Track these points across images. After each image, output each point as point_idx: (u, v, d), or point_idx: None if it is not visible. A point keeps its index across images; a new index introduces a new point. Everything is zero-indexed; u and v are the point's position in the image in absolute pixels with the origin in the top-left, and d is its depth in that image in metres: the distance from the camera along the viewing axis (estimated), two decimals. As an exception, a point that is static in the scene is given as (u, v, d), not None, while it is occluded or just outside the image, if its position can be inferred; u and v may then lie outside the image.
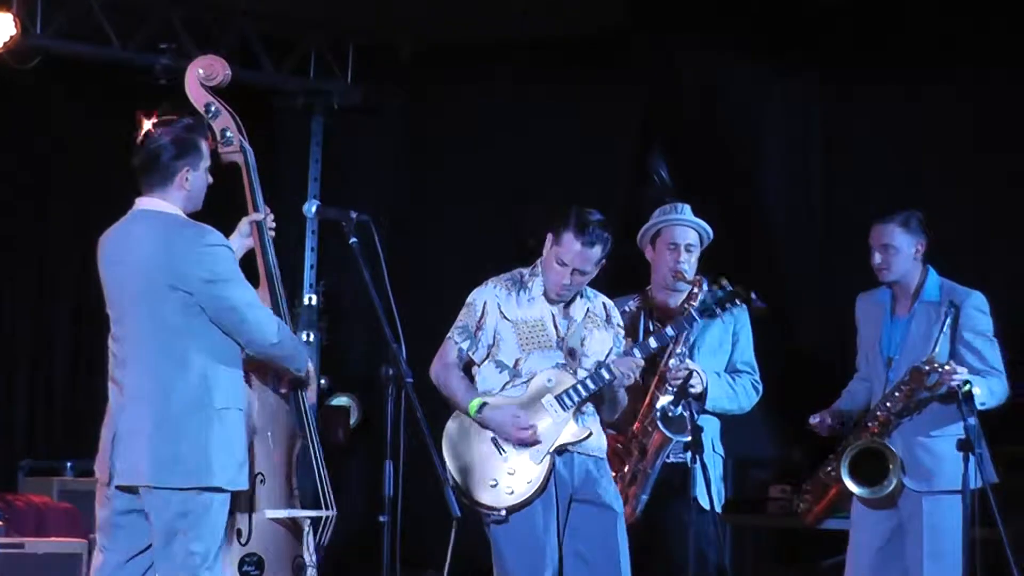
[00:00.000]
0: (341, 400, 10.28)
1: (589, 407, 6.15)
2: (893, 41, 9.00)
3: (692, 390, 6.31)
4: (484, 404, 6.06)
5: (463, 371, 6.22)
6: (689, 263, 6.63)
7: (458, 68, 10.16)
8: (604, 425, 6.26)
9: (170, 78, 9.33)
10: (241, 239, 5.78)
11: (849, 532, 6.74)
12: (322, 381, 8.01)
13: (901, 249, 6.61)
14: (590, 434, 6.09)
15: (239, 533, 5.65)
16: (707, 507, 6.23)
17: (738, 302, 6.35)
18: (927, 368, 6.38)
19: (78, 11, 9.21)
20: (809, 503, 6.85)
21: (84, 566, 8.03)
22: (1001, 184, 8.79)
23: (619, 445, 6.47)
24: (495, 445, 6.07)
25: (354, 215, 5.78)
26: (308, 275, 10.35)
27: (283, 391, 5.77)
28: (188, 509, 5.31)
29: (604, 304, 6.28)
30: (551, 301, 6.14)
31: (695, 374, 6.40)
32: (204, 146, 5.56)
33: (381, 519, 5.60)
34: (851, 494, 6.61)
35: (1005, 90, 8.79)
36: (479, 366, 6.17)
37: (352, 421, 9.98)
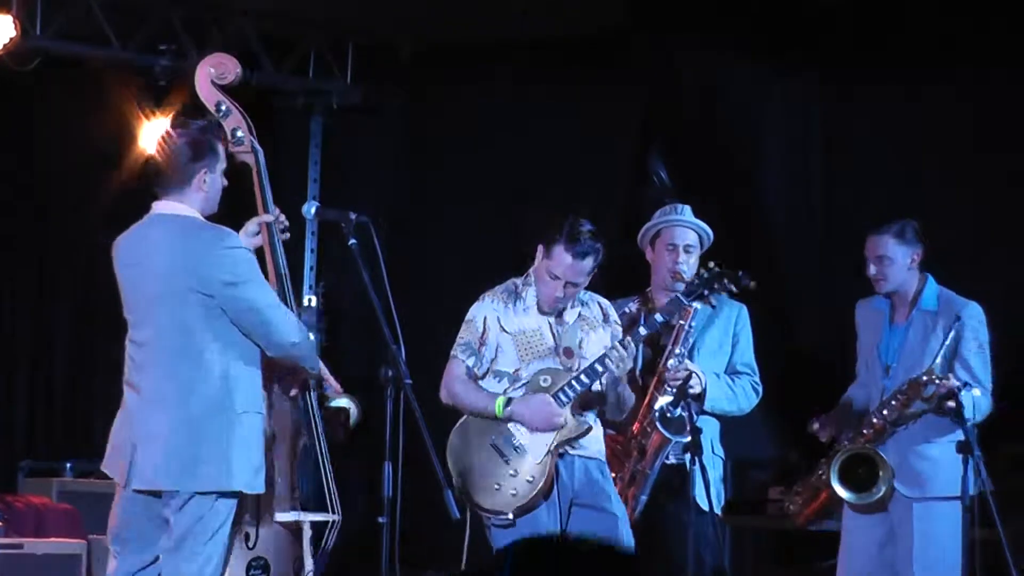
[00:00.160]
0: (340, 401, 10.27)
1: (592, 412, 6.15)
2: (893, 41, 8.98)
3: (691, 391, 6.31)
4: (510, 400, 6.07)
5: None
6: (688, 264, 6.62)
7: (458, 68, 10.15)
8: (605, 425, 6.27)
9: (170, 79, 9.33)
10: (248, 239, 5.76)
11: (841, 536, 6.74)
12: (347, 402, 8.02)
13: (896, 260, 6.60)
14: (589, 428, 6.09)
15: (247, 537, 5.65)
16: (706, 508, 6.23)
17: (726, 282, 6.28)
18: (925, 379, 6.38)
19: (78, 12, 9.20)
20: (799, 505, 6.84)
21: (83, 567, 8.03)
22: (1001, 185, 8.77)
23: (618, 446, 6.47)
24: (496, 450, 6.07)
25: (353, 216, 5.78)
26: (307, 276, 10.34)
27: (292, 393, 5.76)
28: (204, 513, 5.31)
29: (600, 304, 6.28)
30: (544, 313, 6.14)
31: (694, 375, 6.40)
32: (220, 148, 5.56)
33: (380, 520, 5.60)
34: (841, 499, 6.61)
35: (1005, 90, 8.77)
36: (481, 379, 6.18)
37: (351, 422, 9.97)
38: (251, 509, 5.62)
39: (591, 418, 6.15)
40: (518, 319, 6.14)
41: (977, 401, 6.41)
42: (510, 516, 6.00)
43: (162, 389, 5.35)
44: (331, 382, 6.02)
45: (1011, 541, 6.23)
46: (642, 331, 6.22)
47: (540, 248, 6.12)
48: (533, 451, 6.04)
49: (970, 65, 8.79)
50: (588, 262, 6.03)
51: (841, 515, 6.75)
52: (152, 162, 5.54)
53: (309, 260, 10.36)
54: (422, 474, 5.54)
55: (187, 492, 5.31)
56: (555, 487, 6.03)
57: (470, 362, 6.14)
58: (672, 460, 6.44)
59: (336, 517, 5.80)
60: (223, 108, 5.97)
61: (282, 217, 5.87)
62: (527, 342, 6.12)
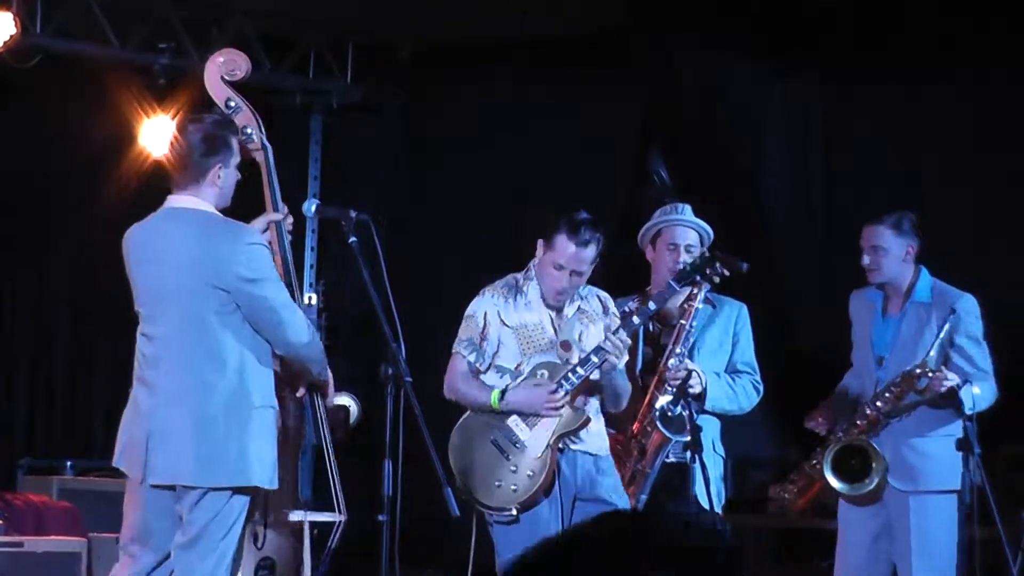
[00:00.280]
0: (341, 399, 10.26)
1: (593, 406, 6.15)
2: (893, 41, 8.98)
3: (691, 390, 6.30)
4: (504, 390, 6.07)
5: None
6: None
7: (458, 68, 10.14)
8: (607, 421, 6.27)
9: (169, 77, 9.33)
10: None
11: (838, 530, 6.76)
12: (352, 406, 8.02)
13: (890, 251, 6.60)
14: (588, 420, 6.09)
15: (256, 537, 5.64)
16: (707, 507, 6.23)
17: (718, 266, 6.26)
18: (918, 372, 6.39)
19: (77, 10, 9.20)
20: (795, 494, 6.85)
21: (83, 565, 8.03)
22: (1001, 184, 8.77)
23: (619, 446, 6.47)
24: (496, 447, 6.08)
25: (353, 214, 5.77)
26: (307, 274, 10.33)
27: (300, 392, 5.75)
28: (220, 509, 5.30)
29: (599, 297, 6.29)
30: (549, 307, 6.14)
31: (694, 374, 6.39)
32: (235, 143, 5.53)
33: (380, 518, 5.60)
34: (835, 490, 6.63)
35: (1005, 90, 8.78)
36: (483, 374, 6.18)
37: (352, 420, 9.97)
38: (261, 508, 5.61)
39: (591, 410, 6.15)
40: (518, 313, 6.14)
41: (978, 398, 6.42)
42: (514, 512, 6.01)
43: (179, 384, 5.33)
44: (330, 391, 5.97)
45: (1010, 539, 6.24)
46: (635, 320, 6.20)
47: (540, 243, 6.12)
48: (533, 446, 6.05)
49: (970, 65, 8.80)
50: (591, 249, 6.05)
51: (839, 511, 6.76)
52: (166, 156, 5.52)
53: (309, 258, 10.35)
54: (422, 472, 5.54)
55: (203, 488, 5.30)
56: (556, 483, 6.04)
57: (472, 358, 6.15)
58: (672, 459, 6.44)
59: (342, 517, 5.80)
60: (232, 104, 5.88)
61: (289, 218, 5.83)
62: (528, 336, 6.13)
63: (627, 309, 6.59)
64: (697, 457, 5.95)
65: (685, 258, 6.59)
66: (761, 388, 6.70)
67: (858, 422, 6.59)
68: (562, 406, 6.03)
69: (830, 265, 9.17)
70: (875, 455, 6.50)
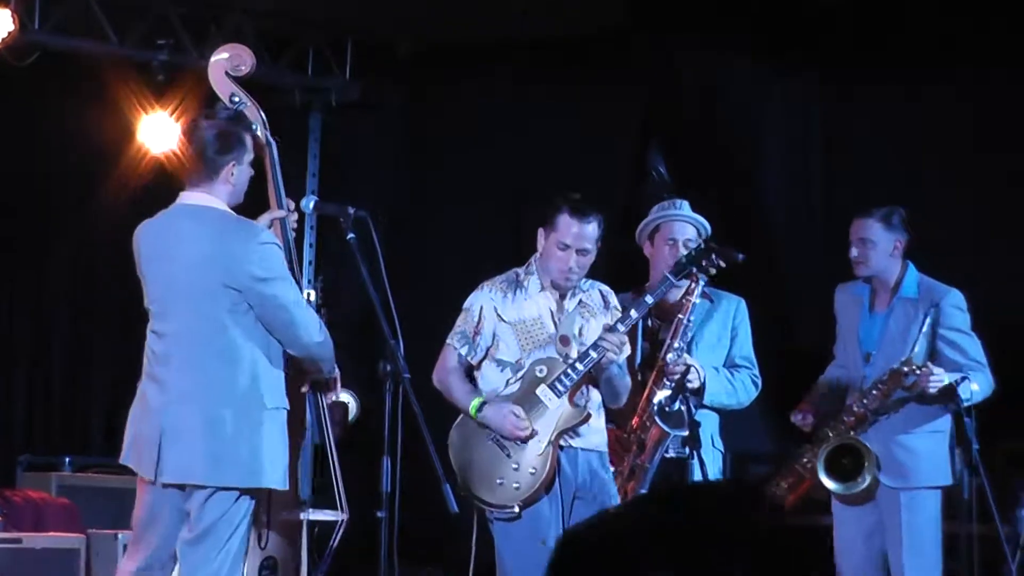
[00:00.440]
0: (340, 396, 10.26)
1: (593, 402, 6.14)
2: (893, 41, 8.98)
3: (690, 385, 6.30)
4: (483, 403, 6.07)
5: (466, 374, 6.22)
6: (687, 259, 6.61)
7: (458, 68, 10.14)
8: (606, 417, 6.26)
9: (168, 74, 9.32)
10: None
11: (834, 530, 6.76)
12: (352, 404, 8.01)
13: (878, 244, 6.61)
14: (588, 416, 6.08)
15: (259, 536, 5.64)
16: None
17: (714, 257, 6.25)
18: (905, 369, 6.39)
19: (76, 7, 9.20)
20: (785, 490, 6.84)
21: (82, 561, 8.02)
22: (1001, 184, 8.76)
23: (618, 442, 6.47)
24: (497, 444, 6.08)
25: (352, 211, 5.77)
26: (306, 271, 10.33)
27: (304, 390, 5.74)
28: (228, 508, 5.28)
29: (600, 291, 6.29)
30: (558, 288, 6.13)
31: (692, 369, 6.39)
32: (249, 140, 5.50)
33: (379, 515, 5.59)
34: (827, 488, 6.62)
35: (1005, 90, 8.77)
36: (479, 368, 6.18)
37: (350, 417, 9.97)
38: (265, 508, 5.60)
39: (592, 406, 6.14)
40: (517, 308, 6.14)
41: (975, 393, 6.42)
42: (515, 509, 6.00)
43: (190, 382, 5.30)
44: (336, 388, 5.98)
45: (1008, 536, 6.24)
46: (633, 314, 6.18)
47: (541, 231, 6.13)
48: (534, 442, 6.04)
49: (970, 65, 8.79)
50: (593, 226, 6.05)
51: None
52: (178, 152, 5.50)
53: (308, 254, 10.34)
54: (421, 469, 5.53)
55: (219, 487, 5.28)
56: (557, 479, 6.03)
57: (463, 351, 6.15)
58: (671, 454, 6.44)
59: (344, 516, 5.79)
60: (237, 100, 5.86)
61: (293, 216, 5.80)
62: (527, 331, 6.12)
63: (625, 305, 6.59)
64: (696, 452, 5.95)
65: (683, 252, 6.58)
66: (759, 382, 6.70)
67: (845, 419, 6.59)
68: (527, 440, 6.01)
69: (830, 265, 9.15)
70: (867, 453, 6.50)
